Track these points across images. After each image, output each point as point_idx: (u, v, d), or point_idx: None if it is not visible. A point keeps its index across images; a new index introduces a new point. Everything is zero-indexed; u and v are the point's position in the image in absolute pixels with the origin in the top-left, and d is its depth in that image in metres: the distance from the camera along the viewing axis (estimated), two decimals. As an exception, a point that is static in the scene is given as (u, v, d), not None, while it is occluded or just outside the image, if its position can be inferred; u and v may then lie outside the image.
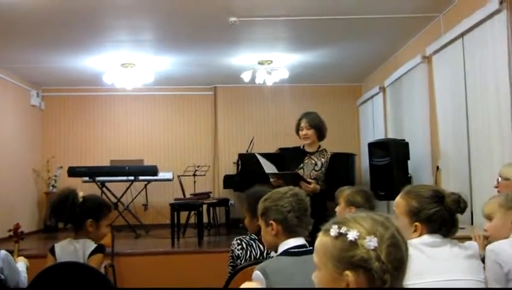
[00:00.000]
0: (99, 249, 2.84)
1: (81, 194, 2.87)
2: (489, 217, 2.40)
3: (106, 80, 7.34)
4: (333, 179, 4.17)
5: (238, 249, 2.75)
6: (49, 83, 8.67)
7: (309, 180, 4.01)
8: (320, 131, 4.21)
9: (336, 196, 3.17)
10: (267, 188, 2.63)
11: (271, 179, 4.04)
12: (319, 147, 4.26)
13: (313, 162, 4.18)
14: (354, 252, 1.16)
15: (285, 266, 1.94)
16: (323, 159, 4.19)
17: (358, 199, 3.01)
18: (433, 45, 5.69)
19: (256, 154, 4.42)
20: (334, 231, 1.20)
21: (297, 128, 4.24)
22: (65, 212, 2.80)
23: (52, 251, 2.85)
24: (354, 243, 1.16)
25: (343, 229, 1.19)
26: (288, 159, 4.36)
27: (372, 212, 1.26)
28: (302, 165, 4.18)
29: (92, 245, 2.82)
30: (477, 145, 4.83)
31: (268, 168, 4.10)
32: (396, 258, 1.17)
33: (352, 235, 1.17)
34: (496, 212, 2.36)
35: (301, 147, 4.30)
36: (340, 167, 6.70)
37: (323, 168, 4.17)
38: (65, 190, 2.90)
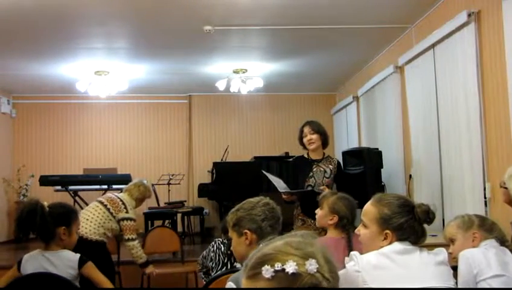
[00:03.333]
0: (84, 258, 2.78)
1: (45, 203, 2.79)
2: (451, 240, 2.53)
3: (79, 87, 7.25)
4: (345, 185, 4.14)
5: (212, 251, 2.77)
6: (21, 90, 8.53)
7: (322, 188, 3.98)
8: (324, 137, 4.20)
9: (319, 200, 3.15)
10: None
11: (283, 196, 4.01)
12: (324, 154, 4.23)
13: (322, 169, 4.14)
14: (299, 283, 1.09)
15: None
16: (331, 166, 4.16)
17: (342, 207, 2.97)
18: (405, 55, 5.80)
19: (264, 172, 4.35)
20: (268, 272, 1.10)
21: (301, 136, 4.19)
22: (36, 224, 2.70)
23: (19, 264, 2.74)
24: (295, 274, 1.09)
25: (277, 266, 1.10)
26: (295, 170, 4.28)
27: (286, 235, 1.22)
28: (311, 173, 4.12)
29: (76, 255, 2.75)
30: (448, 154, 4.92)
31: (280, 185, 4.05)
32: (334, 270, 1.15)
33: (290, 267, 1.09)
34: (456, 235, 2.50)
35: (306, 156, 4.22)
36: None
37: (332, 175, 4.14)
38: (31, 201, 2.80)
